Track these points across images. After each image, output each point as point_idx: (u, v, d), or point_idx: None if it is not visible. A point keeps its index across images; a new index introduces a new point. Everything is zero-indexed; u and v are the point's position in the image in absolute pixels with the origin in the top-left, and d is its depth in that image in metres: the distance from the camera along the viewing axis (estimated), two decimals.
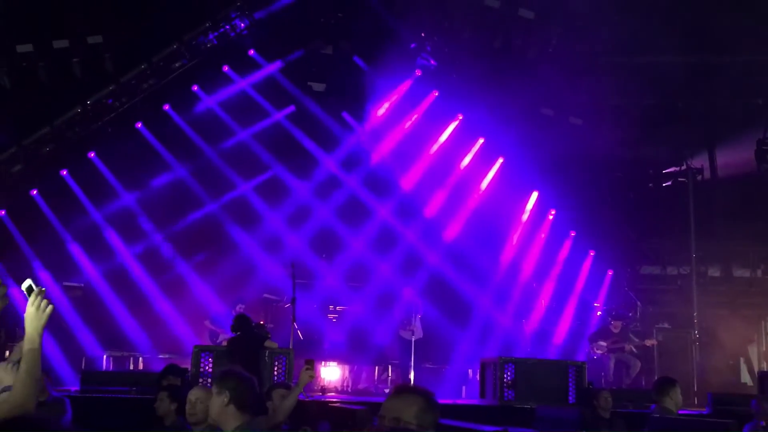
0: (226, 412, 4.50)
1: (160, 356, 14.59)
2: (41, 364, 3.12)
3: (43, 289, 3.03)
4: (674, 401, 7.21)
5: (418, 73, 17.18)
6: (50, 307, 3.00)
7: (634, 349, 14.05)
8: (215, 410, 4.54)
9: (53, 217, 15.44)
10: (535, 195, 17.66)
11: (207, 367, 10.77)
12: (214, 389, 4.60)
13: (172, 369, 8.64)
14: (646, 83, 16.43)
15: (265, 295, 15.21)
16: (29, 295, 3.03)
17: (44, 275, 14.58)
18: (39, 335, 3.03)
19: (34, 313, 3.01)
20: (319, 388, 13.66)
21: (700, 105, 16.81)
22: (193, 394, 5.69)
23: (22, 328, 3.10)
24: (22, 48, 14.05)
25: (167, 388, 7.19)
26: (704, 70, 16.17)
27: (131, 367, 14.68)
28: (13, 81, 14.25)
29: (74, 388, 11.40)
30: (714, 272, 17.73)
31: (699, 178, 17.26)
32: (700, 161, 17.46)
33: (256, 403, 4.77)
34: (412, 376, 13.40)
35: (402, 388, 3.46)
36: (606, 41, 15.80)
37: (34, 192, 15.48)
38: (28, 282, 3.00)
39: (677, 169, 17.41)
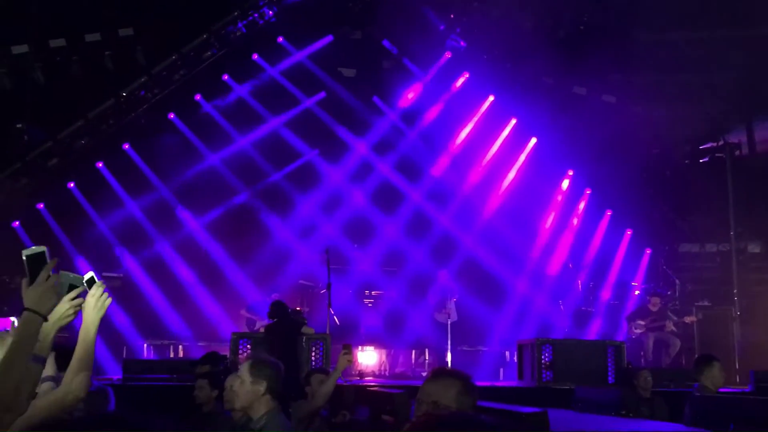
0: (261, 400, 4.52)
1: (200, 344, 14.75)
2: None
3: (104, 284, 3.06)
4: (710, 379, 7.11)
5: (448, 55, 17.07)
6: (108, 300, 3.03)
7: (673, 328, 13.90)
8: (249, 398, 4.53)
9: (90, 208, 15.63)
10: (570, 174, 17.50)
11: (245, 354, 10.88)
12: (249, 377, 4.56)
13: (206, 357, 8.71)
14: (681, 58, 16.17)
15: (301, 282, 15.28)
16: (90, 287, 3.05)
17: (83, 266, 14.79)
18: (95, 327, 3.07)
19: (93, 305, 3.04)
20: (357, 372, 13.72)
21: (736, 79, 16.48)
22: (231, 381, 5.73)
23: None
24: (55, 43, 14.23)
25: (207, 375, 7.26)
26: (741, 43, 15.86)
27: (171, 355, 14.86)
28: (47, 75, 14.44)
29: (116, 376, 11.58)
30: (754, 248, 17.43)
31: (737, 153, 16.97)
32: (737, 136, 17.16)
33: (285, 389, 4.79)
34: (448, 359, 13.40)
35: (440, 372, 3.44)
36: (639, 16, 15.56)
37: (71, 185, 15.67)
38: (90, 274, 3.02)
39: (714, 144, 17.14)
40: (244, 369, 4.61)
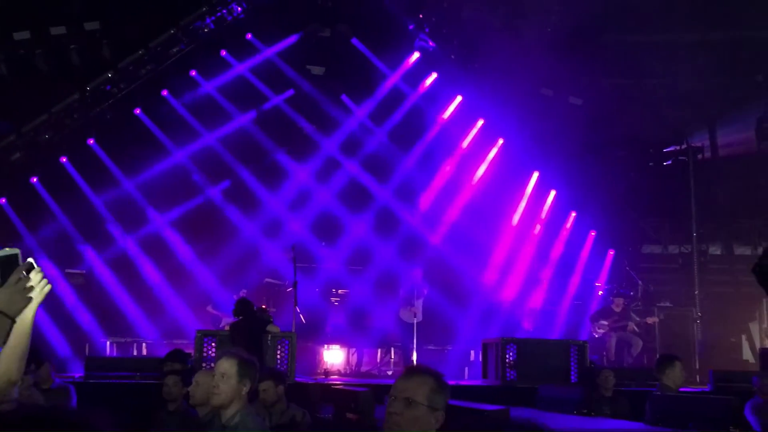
0: (241, 399, 4.47)
1: (164, 341, 14.63)
2: (43, 353, 3.13)
3: (41, 270, 3.03)
4: (672, 379, 7.22)
5: (417, 54, 17.12)
6: (48, 286, 2.99)
7: (635, 328, 14.09)
8: (231, 396, 4.42)
9: (54, 204, 15.43)
10: (535, 176, 17.64)
11: (210, 352, 10.81)
12: (236, 375, 4.45)
13: (174, 354, 8.66)
14: (645, 62, 16.38)
15: (267, 280, 15.23)
16: (28, 273, 3.03)
17: (46, 262, 14.59)
18: (32, 312, 3.03)
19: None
20: (322, 371, 13.72)
21: (700, 83, 16.75)
22: (200, 377, 5.69)
23: None
24: (19, 35, 14.03)
25: (178, 372, 7.18)
26: (703, 47, 16.11)
27: (135, 353, 14.73)
28: (11, 68, 14.25)
29: (78, 374, 11.44)
30: (715, 250, 17.75)
31: (700, 156, 17.25)
32: (700, 140, 17.44)
33: None
34: (414, 358, 13.44)
35: (413, 369, 3.48)
36: (605, 20, 15.74)
37: (34, 180, 15.47)
38: (29, 260, 2.99)
39: (678, 147, 17.40)
40: (229, 365, 4.48)
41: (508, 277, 16.73)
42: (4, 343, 2.88)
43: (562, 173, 16.95)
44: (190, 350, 10.65)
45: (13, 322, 2.85)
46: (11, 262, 2.90)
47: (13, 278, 2.87)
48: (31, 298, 2.93)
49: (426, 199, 17.11)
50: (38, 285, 3.01)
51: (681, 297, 16.28)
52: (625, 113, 17.04)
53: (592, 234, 17.37)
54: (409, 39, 16.90)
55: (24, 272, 2.93)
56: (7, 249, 2.91)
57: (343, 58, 16.88)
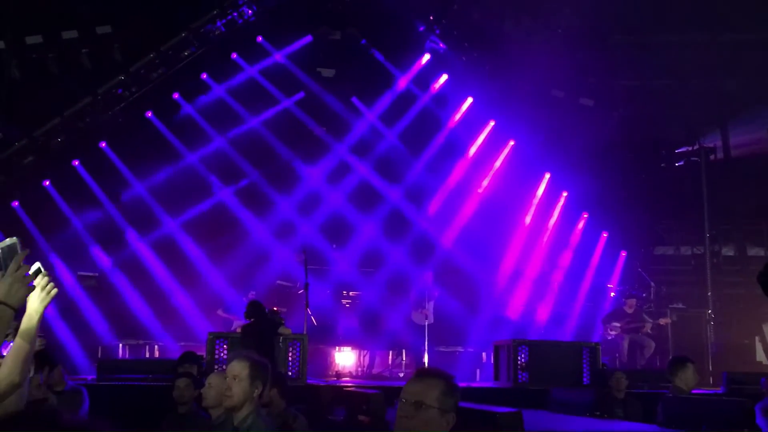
0: (253, 401, 4.46)
1: (175, 344, 14.67)
2: (56, 355, 3.14)
3: (48, 275, 3.04)
4: (684, 381, 7.19)
5: (428, 56, 17.12)
6: (55, 290, 3.00)
7: (648, 330, 14.03)
8: (243, 398, 4.41)
9: (66, 207, 15.49)
10: (546, 177, 17.60)
11: (222, 354, 10.84)
12: (248, 378, 4.44)
13: (188, 356, 8.68)
14: (657, 62, 16.33)
15: (279, 282, 15.24)
16: (35, 277, 3.04)
17: (59, 265, 14.66)
18: (38, 315, 3.03)
19: (38, 293, 3.02)
20: (334, 373, 13.72)
21: (711, 84, 16.67)
22: (212, 379, 5.69)
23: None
24: (31, 40, 14.09)
25: (189, 375, 7.18)
26: (715, 48, 16.05)
27: (147, 355, 14.77)
28: (23, 73, 14.30)
29: (91, 377, 11.48)
30: (728, 251, 17.64)
31: (712, 157, 17.16)
32: (712, 140, 17.36)
33: None
34: (425, 360, 13.42)
35: (423, 372, 3.46)
36: (616, 20, 15.71)
37: (47, 183, 15.53)
38: (36, 264, 2.99)
39: (690, 148, 17.32)
40: (241, 368, 4.47)
41: (520, 279, 16.70)
42: (6, 334, 2.89)
43: (573, 174, 16.89)
44: (202, 352, 10.67)
45: (15, 311, 2.85)
46: (11, 251, 2.91)
47: (12, 267, 2.86)
48: (32, 287, 2.93)
49: (437, 201, 17.09)
50: (45, 289, 3.02)
51: (694, 298, 16.20)
52: (637, 114, 16.98)
53: (604, 235, 17.31)
54: (419, 41, 16.90)
55: (23, 262, 2.93)
56: (7, 239, 2.92)
57: (353, 60, 16.90)
